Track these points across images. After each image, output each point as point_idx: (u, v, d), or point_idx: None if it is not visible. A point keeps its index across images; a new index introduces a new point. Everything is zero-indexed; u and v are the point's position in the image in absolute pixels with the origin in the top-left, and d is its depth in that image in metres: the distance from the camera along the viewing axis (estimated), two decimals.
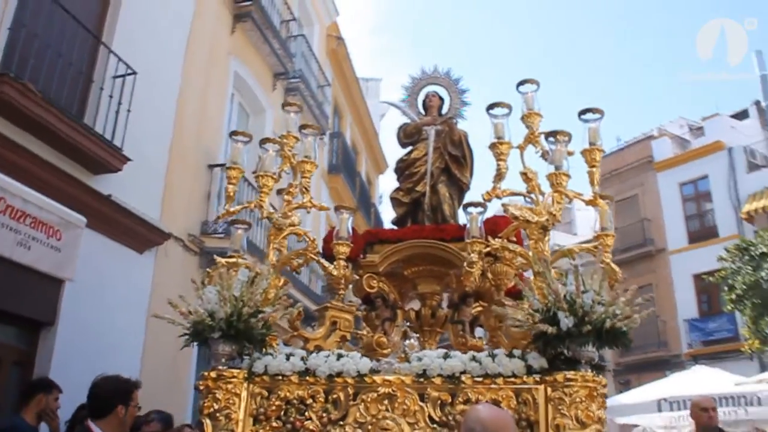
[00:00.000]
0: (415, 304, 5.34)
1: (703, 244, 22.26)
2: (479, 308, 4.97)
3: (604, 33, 79.10)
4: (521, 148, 4.20)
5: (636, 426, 12.09)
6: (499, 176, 4.14)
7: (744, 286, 15.09)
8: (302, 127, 4.80)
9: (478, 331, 5.06)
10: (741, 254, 15.67)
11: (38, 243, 5.43)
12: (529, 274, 4.09)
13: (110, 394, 3.82)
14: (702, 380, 10.19)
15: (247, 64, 11.82)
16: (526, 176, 4.08)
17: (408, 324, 5.21)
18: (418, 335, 4.92)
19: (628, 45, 76.45)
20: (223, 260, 4.32)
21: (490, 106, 4.28)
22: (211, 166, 10.00)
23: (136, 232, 7.88)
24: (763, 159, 22.95)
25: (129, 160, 7.47)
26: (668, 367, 20.31)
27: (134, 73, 7.68)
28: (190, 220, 9.33)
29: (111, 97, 7.44)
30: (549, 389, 3.50)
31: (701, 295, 22.53)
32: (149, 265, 8.23)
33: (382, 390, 3.74)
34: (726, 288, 15.97)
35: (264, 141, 4.73)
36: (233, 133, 4.73)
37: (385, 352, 4.53)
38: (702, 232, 23.45)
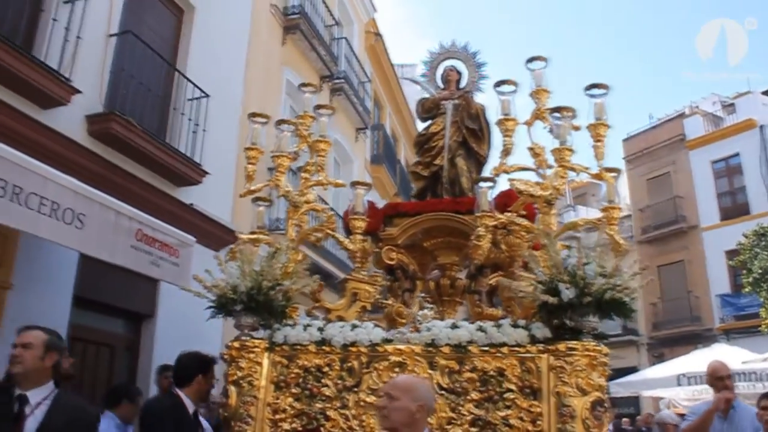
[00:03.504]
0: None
1: (735, 221, 22.13)
2: (496, 278, 5.03)
3: (638, 10, 77.52)
4: (528, 123, 4.27)
5: (662, 398, 12.31)
6: (506, 152, 4.23)
7: (760, 270, 15.38)
8: (317, 107, 4.91)
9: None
10: (758, 239, 15.92)
11: (164, 261, 6.35)
12: None
13: (191, 365, 4.29)
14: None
15: (297, 71, 12.39)
16: (533, 151, 4.16)
17: (427, 295, 5.26)
18: (433, 305, 4.99)
19: (666, 20, 74.84)
20: (246, 237, 4.53)
21: (498, 84, 4.36)
22: (270, 169, 10.34)
23: (213, 234, 8.82)
24: None
25: (207, 173, 8.53)
26: (700, 341, 20.38)
27: (207, 96, 8.69)
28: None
29: (190, 120, 8.54)
30: (551, 358, 3.59)
31: (733, 271, 22.38)
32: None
33: (393, 358, 3.91)
34: (744, 271, 16.33)
35: (280, 122, 4.84)
36: (252, 115, 4.83)
37: (403, 321, 4.67)
38: (734, 209, 23.34)
